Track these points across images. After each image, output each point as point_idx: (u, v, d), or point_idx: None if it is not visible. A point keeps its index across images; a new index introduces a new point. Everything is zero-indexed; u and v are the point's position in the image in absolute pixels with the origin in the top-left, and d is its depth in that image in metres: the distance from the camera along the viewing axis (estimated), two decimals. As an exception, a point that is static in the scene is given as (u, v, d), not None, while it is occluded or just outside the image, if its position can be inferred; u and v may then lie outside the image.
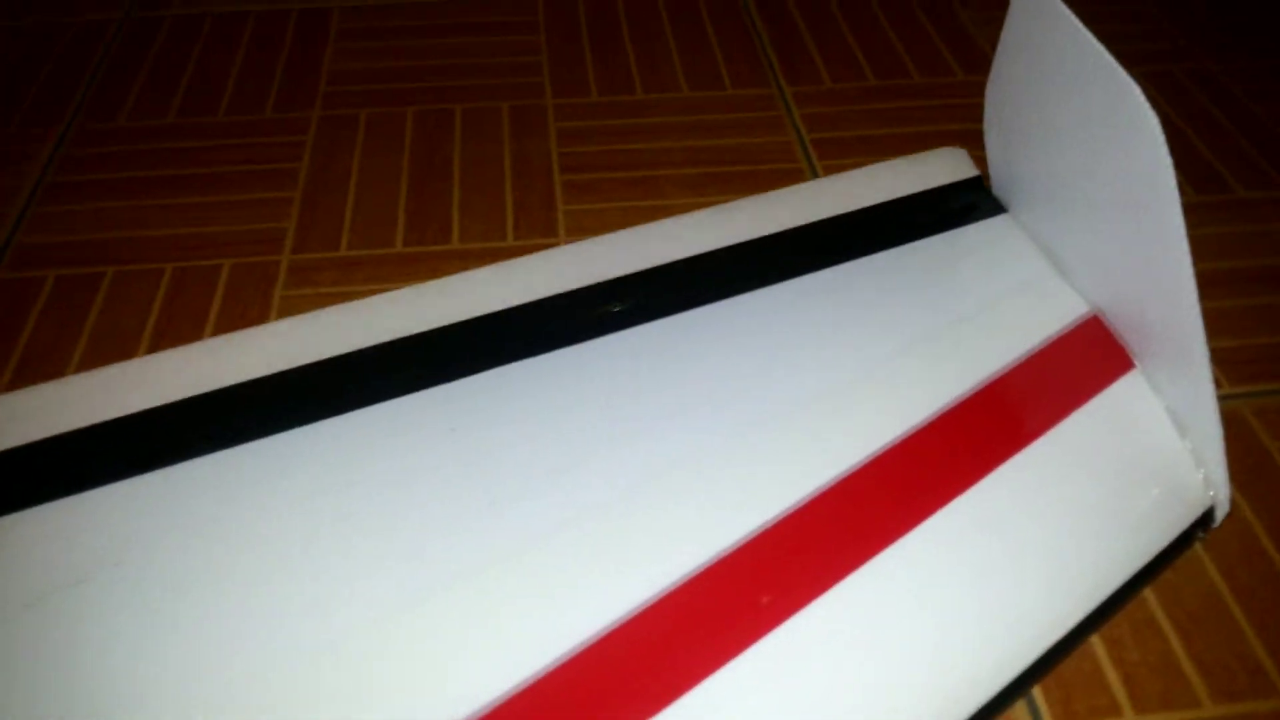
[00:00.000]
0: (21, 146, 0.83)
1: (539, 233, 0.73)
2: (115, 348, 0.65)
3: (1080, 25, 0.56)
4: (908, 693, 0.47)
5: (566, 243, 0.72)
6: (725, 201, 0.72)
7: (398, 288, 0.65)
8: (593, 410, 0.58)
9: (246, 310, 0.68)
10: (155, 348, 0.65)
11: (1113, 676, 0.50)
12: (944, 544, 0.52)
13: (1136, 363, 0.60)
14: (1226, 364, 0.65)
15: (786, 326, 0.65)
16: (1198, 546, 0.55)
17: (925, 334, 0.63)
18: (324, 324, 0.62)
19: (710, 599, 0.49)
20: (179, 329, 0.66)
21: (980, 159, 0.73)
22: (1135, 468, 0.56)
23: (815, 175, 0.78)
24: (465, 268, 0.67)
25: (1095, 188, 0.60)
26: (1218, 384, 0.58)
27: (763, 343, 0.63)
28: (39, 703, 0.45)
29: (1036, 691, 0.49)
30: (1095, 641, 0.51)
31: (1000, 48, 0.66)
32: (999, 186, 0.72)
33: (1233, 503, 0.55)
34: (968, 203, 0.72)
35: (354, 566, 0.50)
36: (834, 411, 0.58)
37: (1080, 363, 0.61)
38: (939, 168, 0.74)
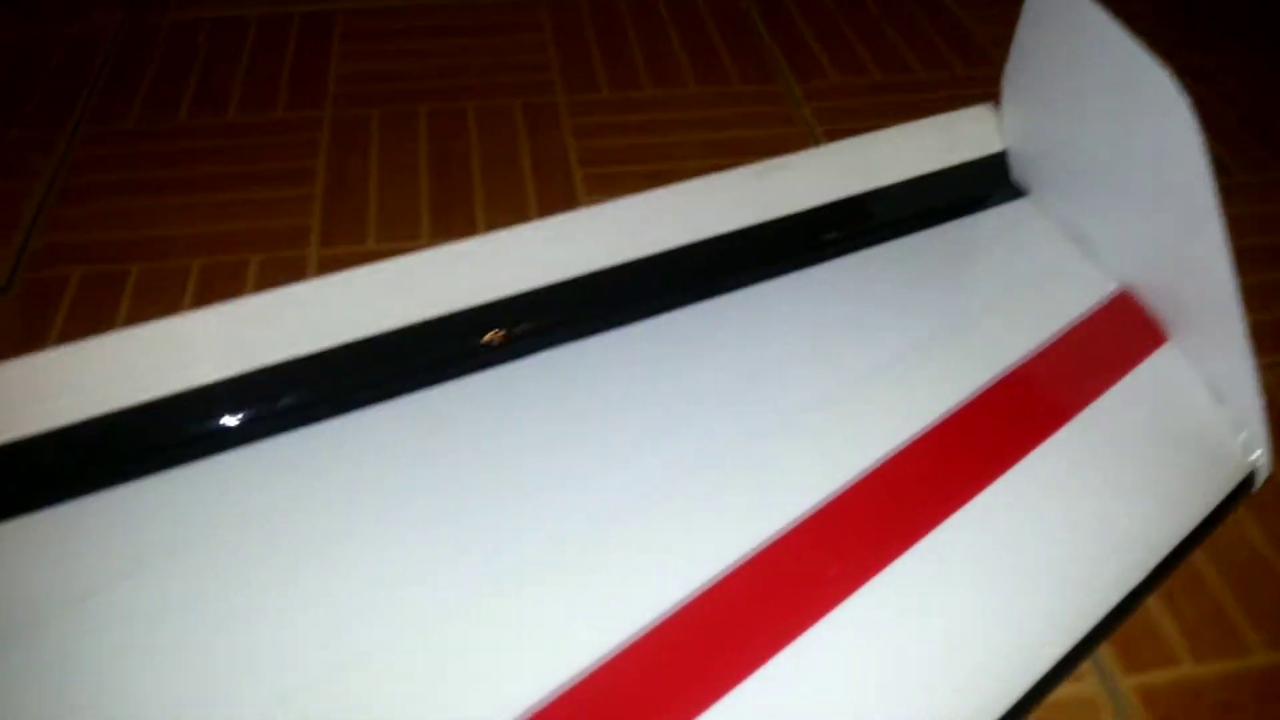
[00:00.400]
0: (29, 151, 0.82)
1: (564, 225, 0.74)
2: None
3: (1104, 11, 0.58)
4: (981, 656, 0.48)
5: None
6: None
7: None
8: (608, 410, 0.58)
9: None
10: (190, 342, 0.64)
11: (1170, 630, 0.51)
12: (998, 520, 0.53)
13: (1170, 335, 0.61)
14: (1245, 338, 0.67)
15: (809, 315, 0.65)
16: (1240, 508, 0.56)
17: (954, 319, 0.64)
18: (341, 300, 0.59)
19: (775, 574, 0.49)
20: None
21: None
22: (1177, 436, 0.57)
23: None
24: (494, 259, 0.67)
25: (1124, 168, 0.62)
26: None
27: (785, 332, 0.63)
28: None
29: (1103, 650, 0.50)
30: (1151, 602, 0.52)
31: (1018, 36, 0.68)
32: (1018, 170, 0.73)
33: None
34: (989, 185, 0.73)
35: (387, 570, 0.49)
36: (871, 399, 0.58)
37: (1114, 339, 0.62)
38: (966, 133, 0.74)
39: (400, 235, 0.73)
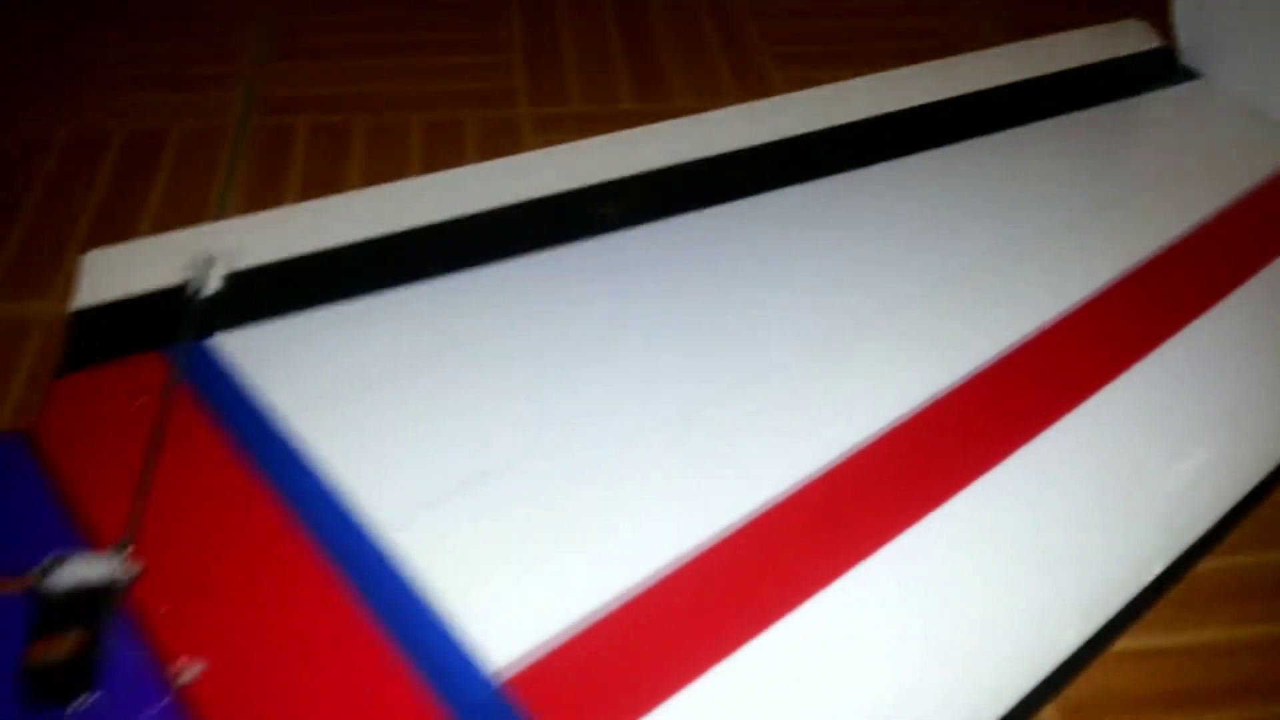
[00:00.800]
0: (230, 19, 0.86)
1: (756, 95, 0.78)
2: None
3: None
4: (1195, 472, 0.52)
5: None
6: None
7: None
8: (775, 264, 0.61)
9: (502, 155, 0.72)
10: (426, 183, 0.69)
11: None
12: (1174, 375, 0.55)
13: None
14: None
15: (966, 187, 0.68)
16: None
17: (1125, 189, 0.68)
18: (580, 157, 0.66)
19: (920, 444, 0.50)
20: (445, 168, 0.70)
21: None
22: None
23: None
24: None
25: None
26: None
27: (945, 201, 0.67)
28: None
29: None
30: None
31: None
32: (1190, 53, 0.77)
33: None
34: (1159, 68, 0.77)
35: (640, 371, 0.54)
36: (1025, 268, 0.61)
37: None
38: (1123, 39, 0.79)
39: (602, 98, 0.78)
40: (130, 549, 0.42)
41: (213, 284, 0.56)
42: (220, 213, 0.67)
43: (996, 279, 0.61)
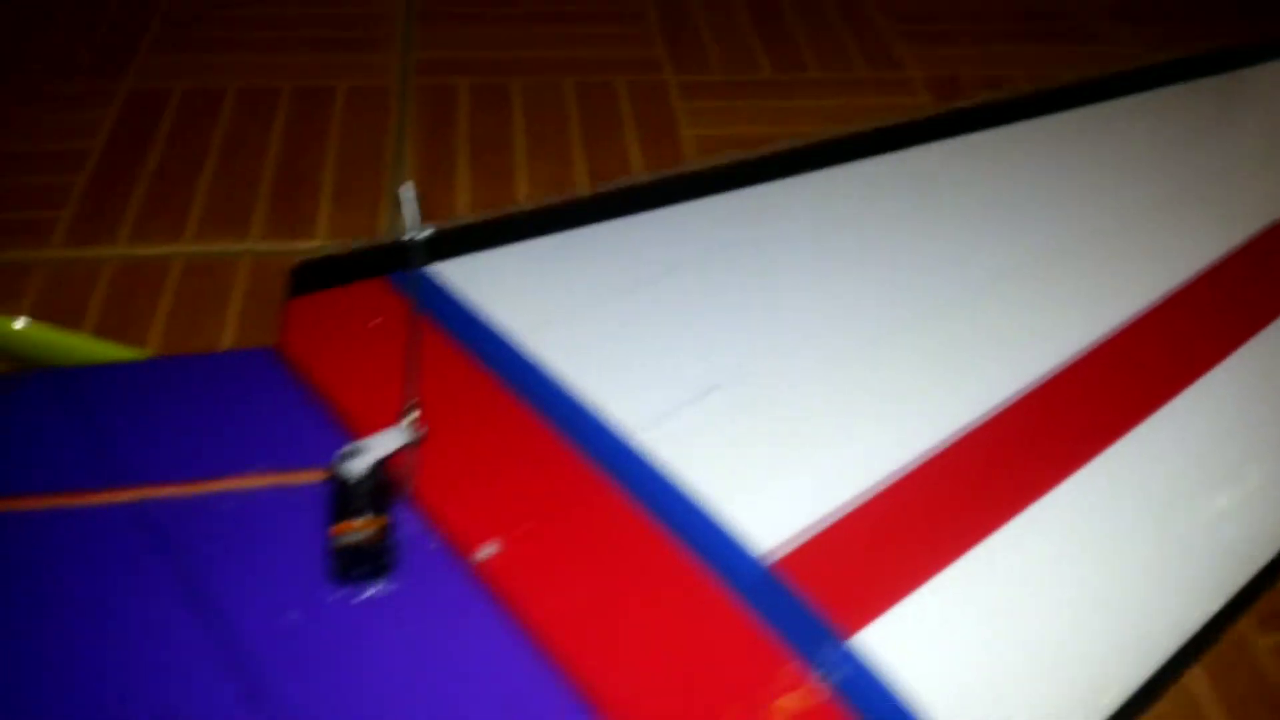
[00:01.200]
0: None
1: (886, 66, 0.82)
2: (551, 139, 0.73)
3: None
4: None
5: (915, 73, 0.81)
6: (1042, 47, 0.81)
7: (780, 102, 0.73)
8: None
9: (655, 117, 0.76)
10: (586, 142, 0.73)
11: None
12: None
13: None
14: None
15: (1087, 150, 0.70)
16: None
17: (1233, 160, 0.71)
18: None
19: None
20: (603, 127, 0.74)
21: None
22: None
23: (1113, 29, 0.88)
24: (830, 90, 0.75)
25: None
26: None
27: (1061, 168, 0.69)
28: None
29: None
30: None
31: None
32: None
33: None
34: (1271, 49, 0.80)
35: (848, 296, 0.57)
36: (1157, 228, 0.63)
37: None
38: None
39: (742, 69, 0.82)
40: (416, 412, 0.45)
41: (426, 229, 0.59)
42: (397, 165, 0.70)
43: (1105, 252, 0.63)
